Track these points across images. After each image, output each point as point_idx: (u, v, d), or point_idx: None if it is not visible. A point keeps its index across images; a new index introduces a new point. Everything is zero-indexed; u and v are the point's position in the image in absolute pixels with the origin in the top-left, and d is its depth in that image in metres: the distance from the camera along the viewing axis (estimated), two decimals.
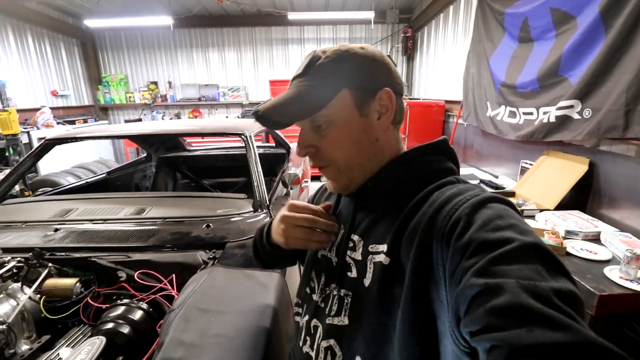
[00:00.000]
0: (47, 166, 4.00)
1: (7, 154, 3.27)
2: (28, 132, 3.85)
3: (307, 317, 0.62)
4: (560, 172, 1.97)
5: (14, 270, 1.00)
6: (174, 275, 1.02)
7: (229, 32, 6.07)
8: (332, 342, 0.55)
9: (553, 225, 1.61)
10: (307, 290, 0.65)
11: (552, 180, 1.99)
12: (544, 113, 2.08)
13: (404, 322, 0.46)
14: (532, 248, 0.37)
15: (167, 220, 1.31)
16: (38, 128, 4.26)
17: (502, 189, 2.33)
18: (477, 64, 3.07)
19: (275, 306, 0.82)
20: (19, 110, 3.49)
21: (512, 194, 2.18)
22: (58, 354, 0.86)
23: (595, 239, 1.48)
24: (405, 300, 0.46)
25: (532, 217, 1.78)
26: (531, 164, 2.28)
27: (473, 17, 3.19)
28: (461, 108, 3.49)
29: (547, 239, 1.42)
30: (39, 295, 0.98)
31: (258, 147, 3.34)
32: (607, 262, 1.30)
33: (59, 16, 5.29)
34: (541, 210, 1.83)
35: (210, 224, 1.27)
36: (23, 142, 3.58)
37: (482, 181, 2.60)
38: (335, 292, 0.57)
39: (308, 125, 0.56)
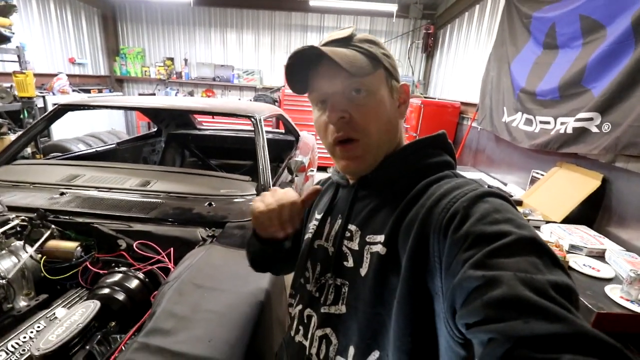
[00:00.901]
0: (60, 132, 4.06)
1: (21, 116, 3.32)
2: (44, 97, 3.88)
3: (300, 307, 0.62)
4: (572, 185, 1.92)
5: (18, 229, 1.02)
6: (172, 248, 1.03)
7: (248, 14, 6.00)
8: (327, 330, 0.55)
9: (558, 238, 1.58)
10: (302, 280, 0.64)
11: (562, 192, 1.95)
12: (562, 123, 2.03)
13: (399, 312, 0.46)
14: (529, 241, 0.37)
15: (171, 194, 1.32)
16: (54, 94, 4.30)
17: (510, 197, 2.30)
18: (497, 67, 3.00)
19: (268, 288, 0.82)
20: (36, 75, 3.51)
21: (520, 203, 2.14)
22: (54, 312, 0.88)
23: (600, 256, 1.46)
24: (401, 291, 0.46)
25: (538, 228, 1.76)
26: (542, 174, 2.24)
27: (499, 19, 3.10)
28: (477, 111, 3.42)
29: None
30: (40, 255, 1.01)
31: (267, 132, 3.34)
32: (609, 281, 1.27)
33: None
34: (547, 222, 1.80)
35: (213, 203, 1.27)
36: (38, 106, 3.62)
37: (489, 187, 2.56)
38: (331, 282, 0.57)
39: (343, 91, 0.54)
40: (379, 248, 0.51)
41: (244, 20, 6.04)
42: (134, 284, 0.93)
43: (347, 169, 0.59)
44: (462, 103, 4.08)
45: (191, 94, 6.33)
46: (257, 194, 1.39)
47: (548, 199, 2.02)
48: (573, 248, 1.49)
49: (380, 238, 0.52)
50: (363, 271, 0.53)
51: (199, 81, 6.22)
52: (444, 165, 0.56)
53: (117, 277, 0.93)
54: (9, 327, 0.83)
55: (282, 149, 2.99)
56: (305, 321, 0.60)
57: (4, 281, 0.87)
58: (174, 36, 6.19)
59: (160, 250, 1.03)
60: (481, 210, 0.42)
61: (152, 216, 1.16)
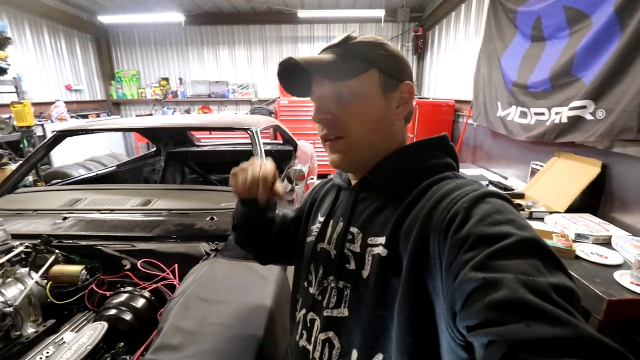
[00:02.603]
0: (61, 159, 4.09)
1: (21, 145, 3.35)
2: (42, 125, 3.94)
3: (304, 311, 0.62)
4: (572, 174, 1.92)
5: (22, 256, 1.02)
6: (176, 265, 1.03)
7: (239, 30, 6.10)
8: (330, 334, 0.55)
9: (562, 228, 1.57)
10: (305, 284, 0.64)
11: (563, 182, 1.95)
12: (556, 113, 2.04)
13: (400, 314, 0.46)
14: (530, 243, 0.37)
15: (172, 211, 1.33)
16: (52, 121, 4.35)
17: (512, 191, 2.29)
18: (488, 63, 3.03)
19: (274, 298, 0.82)
20: (34, 104, 3.57)
21: (522, 196, 2.14)
22: (62, 337, 0.88)
23: (606, 243, 1.45)
24: (402, 292, 0.46)
25: (542, 219, 1.75)
26: (542, 166, 2.24)
27: (485, 16, 3.14)
28: (471, 108, 3.44)
29: (556, 242, 1.39)
30: (45, 281, 1.01)
31: (265, 143, 3.37)
32: (617, 267, 1.26)
33: (74, 12, 5.40)
34: (551, 213, 1.79)
35: (214, 217, 1.28)
36: (37, 134, 3.67)
37: (491, 182, 2.56)
38: (333, 284, 0.57)
39: (331, 94, 0.57)
40: (380, 250, 0.51)
41: (235, 36, 6.15)
42: (140, 303, 0.93)
43: (333, 162, 0.61)
44: (457, 101, 4.11)
45: (188, 111, 6.39)
46: None
47: (550, 190, 2.01)
48: (579, 237, 1.48)
49: (382, 240, 0.52)
50: (365, 273, 0.53)
51: (195, 99, 6.29)
52: (445, 166, 0.56)
53: (123, 297, 0.93)
54: (17, 355, 0.82)
55: (281, 159, 3.00)
56: (309, 325, 0.60)
57: (11, 309, 0.87)
58: (168, 56, 6.29)
59: (165, 268, 1.03)
60: (482, 211, 0.41)
61: (154, 234, 1.17)
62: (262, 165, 0.64)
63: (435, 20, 4.96)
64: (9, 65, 3.25)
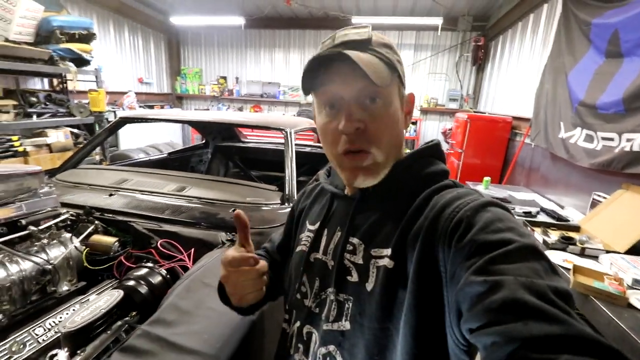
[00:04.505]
0: (127, 143, 4.58)
1: (95, 128, 3.81)
2: (114, 112, 4.43)
3: (298, 324, 0.60)
4: (639, 211, 1.67)
5: (68, 222, 1.16)
6: (193, 249, 1.09)
7: (295, 34, 6.32)
8: (331, 348, 0.54)
9: (618, 270, 1.37)
10: (298, 295, 0.61)
11: (628, 218, 1.70)
12: (627, 140, 1.79)
13: (407, 325, 0.46)
14: (530, 250, 0.38)
15: (201, 200, 1.41)
16: (123, 109, 4.88)
17: (566, 221, 2.05)
18: (553, 79, 2.76)
19: None
20: (109, 93, 4.05)
21: (577, 229, 1.91)
22: (88, 298, 0.97)
23: None
24: (409, 302, 0.46)
25: (596, 257, 1.55)
26: (605, 198, 1.97)
27: (555, 28, 2.88)
28: (530, 126, 3.16)
29: (607, 286, 1.22)
30: (84, 247, 1.12)
31: (305, 145, 3.42)
32: None
33: (152, 13, 6.02)
34: (608, 252, 1.57)
35: (237, 209, 1.32)
36: (109, 120, 4.14)
37: (543, 209, 2.30)
38: (332, 297, 0.55)
39: (358, 99, 0.51)
40: (386, 262, 0.50)
41: (291, 39, 6.37)
42: (156, 279, 1.00)
43: (353, 180, 0.54)
44: (514, 118, 3.80)
45: (240, 109, 6.76)
46: (282, 203, 1.42)
47: (611, 226, 1.76)
48: (637, 283, 1.28)
49: (387, 252, 0.50)
50: (369, 286, 0.51)
51: (248, 97, 6.63)
52: (442, 174, 0.56)
53: (142, 271, 1.00)
54: (51, 307, 0.94)
55: (318, 162, 3.03)
56: (305, 338, 0.58)
57: (51, 267, 0.99)
58: (228, 57, 6.73)
59: (183, 250, 1.09)
60: (484, 219, 0.42)
61: (180, 218, 1.24)
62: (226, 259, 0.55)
63: (499, 31, 4.66)
64: (93, 57, 3.72)
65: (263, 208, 1.37)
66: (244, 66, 6.69)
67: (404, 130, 0.58)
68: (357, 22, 5.31)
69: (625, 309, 1.14)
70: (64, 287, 1.02)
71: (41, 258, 0.98)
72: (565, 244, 1.64)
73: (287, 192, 1.46)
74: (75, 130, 3.60)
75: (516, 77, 4.00)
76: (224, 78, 6.74)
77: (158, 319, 0.72)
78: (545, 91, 2.90)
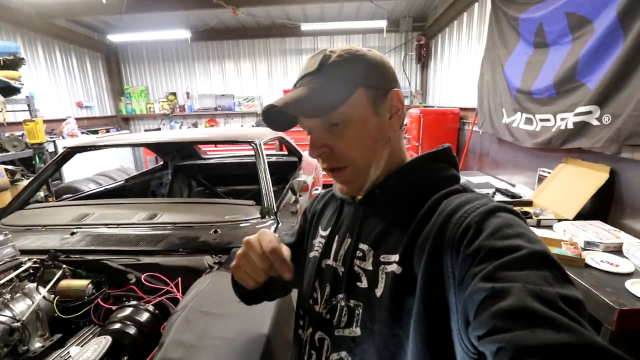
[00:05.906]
0: (71, 174, 4.18)
1: (33, 162, 3.44)
2: (54, 142, 4.04)
3: (310, 330, 0.60)
4: (580, 181, 1.89)
5: (31, 271, 1.04)
6: (179, 278, 1.04)
7: (244, 44, 6.24)
8: (343, 354, 0.54)
9: (572, 235, 1.54)
10: (310, 301, 0.62)
11: (571, 189, 1.91)
12: (562, 119, 2.02)
13: (416, 331, 0.46)
14: (540, 256, 0.38)
15: (177, 225, 1.34)
16: (64, 137, 4.46)
17: (519, 198, 2.26)
18: (491, 70, 3.03)
19: (276, 311, 0.81)
20: (45, 121, 3.67)
21: (530, 203, 2.11)
22: (68, 352, 0.89)
23: (617, 250, 1.41)
24: (417, 309, 0.46)
25: (550, 227, 1.72)
26: (549, 172, 2.21)
27: (487, 24, 3.16)
28: (476, 115, 3.43)
29: (565, 250, 1.36)
30: (53, 295, 1.02)
31: (270, 155, 3.40)
32: (629, 275, 1.22)
33: (85, 32, 5.59)
34: (559, 220, 1.75)
35: (218, 230, 1.29)
36: (49, 150, 3.76)
37: (498, 190, 2.52)
38: (343, 303, 0.55)
39: (321, 124, 0.54)
40: (394, 267, 0.50)
41: (241, 50, 6.28)
42: (144, 317, 0.94)
43: (342, 191, 0.61)
44: (461, 109, 4.10)
45: (195, 125, 6.50)
46: (262, 217, 1.40)
47: (558, 197, 1.98)
48: (589, 245, 1.45)
49: (395, 257, 0.51)
50: (379, 292, 0.51)
51: (202, 112, 6.40)
52: (452, 179, 0.56)
53: (127, 311, 0.94)
54: None
55: (286, 171, 3.02)
56: (317, 345, 0.58)
57: (19, 324, 0.88)
58: (175, 72, 6.44)
59: (169, 281, 1.04)
60: (493, 225, 0.42)
61: (159, 248, 1.18)
62: (260, 241, 0.55)
63: (438, 29, 5.00)
64: (23, 84, 3.36)
65: (245, 225, 1.34)
66: (193, 80, 6.45)
67: (396, 131, 0.57)
68: (306, 29, 5.39)
69: (583, 269, 1.29)
70: (37, 344, 0.92)
71: (6, 316, 0.87)
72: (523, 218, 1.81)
73: (266, 205, 1.45)
74: (10, 167, 3.23)
75: (458, 71, 4.32)
76: (174, 94, 6.45)
77: (163, 358, 0.68)
78: (485, 82, 3.17)
